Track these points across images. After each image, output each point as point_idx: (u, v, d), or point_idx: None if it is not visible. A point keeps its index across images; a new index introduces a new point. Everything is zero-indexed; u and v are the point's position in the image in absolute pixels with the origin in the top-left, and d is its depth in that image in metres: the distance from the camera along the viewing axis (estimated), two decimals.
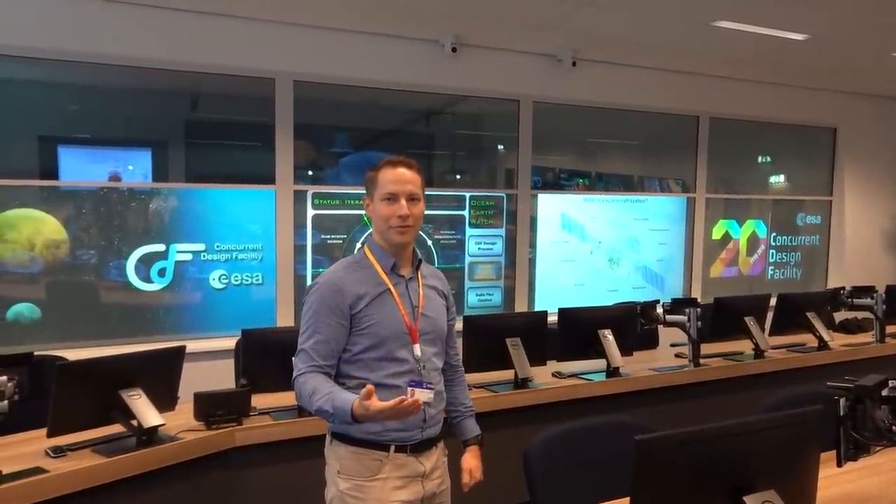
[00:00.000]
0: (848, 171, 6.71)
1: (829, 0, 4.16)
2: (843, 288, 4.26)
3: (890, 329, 4.22)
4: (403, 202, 1.77)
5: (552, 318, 3.37)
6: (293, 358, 1.79)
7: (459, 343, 2.15)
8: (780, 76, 5.94)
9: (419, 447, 1.76)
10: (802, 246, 6.76)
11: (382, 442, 1.72)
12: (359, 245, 4.83)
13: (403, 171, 1.80)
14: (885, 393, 1.33)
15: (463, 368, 2.04)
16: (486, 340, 3.08)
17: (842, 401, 1.35)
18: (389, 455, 1.72)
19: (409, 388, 1.59)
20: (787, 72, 5.79)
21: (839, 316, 4.60)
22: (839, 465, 1.37)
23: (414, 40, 4.73)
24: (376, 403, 1.55)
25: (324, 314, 1.73)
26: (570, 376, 3.31)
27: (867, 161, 6.78)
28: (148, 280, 4.22)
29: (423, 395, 1.58)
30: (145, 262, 4.22)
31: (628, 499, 1.67)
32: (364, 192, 1.88)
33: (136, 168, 4.37)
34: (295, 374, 1.75)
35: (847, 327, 4.60)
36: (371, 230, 1.88)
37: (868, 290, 4.18)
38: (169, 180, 4.37)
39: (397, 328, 1.75)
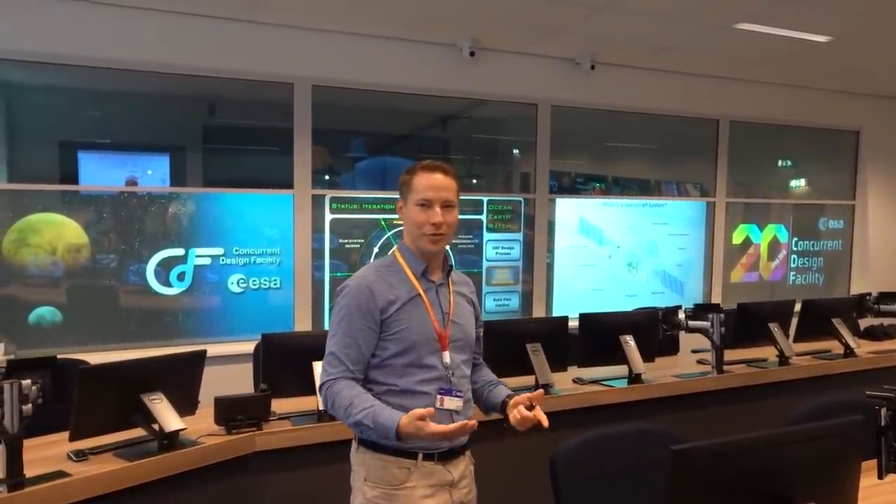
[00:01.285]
0: (871, 175, 6.60)
1: (853, 1, 4.10)
2: (870, 293, 4.19)
3: None
4: (438, 209, 1.74)
5: (572, 324, 3.33)
6: (321, 361, 1.76)
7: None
8: (802, 79, 5.86)
9: (447, 455, 1.73)
10: (825, 251, 6.66)
11: (410, 450, 1.69)
12: (373, 248, 4.82)
13: (440, 177, 1.76)
14: None
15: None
16: (507, 345, 3.05)
17: (883, 410, 1.31)
18: (417, 463, 1.69)
19: (439, 396, 1.56)
20: (808, 74, 5.72)
21: (864, 322, 4.51)
22: (880, 476, 1.33)
23: (432, 44, 4.72)
24: (432, 426, 1.52)
25: (355, 317, 1.70)
26: (590, 382, 3.27)
27: (891, 164, 6.67)
28: (167, 284, 4.24)
29: (451, 403, 1.55)
30: (165, 267, 4.23)
31: None
32: (393, 195, 1.85)
33: (154, 173, 4.40)
34: (324, 378, 1.73)
35: (872, 334, 4.51)
36: (402, 233, 1.84)
37: (895, 296, 4.10)
38: (187, 185, 4.39)
39: (427, 334, 1.73)
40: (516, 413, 1.67)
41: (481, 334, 1.94)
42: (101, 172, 4.27)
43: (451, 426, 1.52)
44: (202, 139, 4.59)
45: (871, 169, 6.60)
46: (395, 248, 1.86)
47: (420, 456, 1.69)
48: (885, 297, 4.13)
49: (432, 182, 1.76)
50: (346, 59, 4.50)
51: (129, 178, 4.26)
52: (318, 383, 1.76)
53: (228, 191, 4.45)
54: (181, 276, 4.27)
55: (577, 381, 3.29)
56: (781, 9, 4.18)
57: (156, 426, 2.28)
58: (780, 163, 6.66)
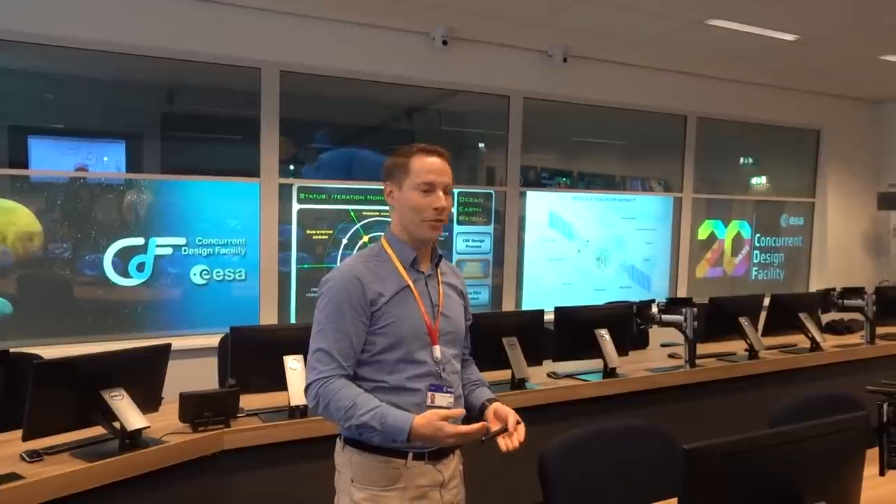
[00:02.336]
0: (830, 174, 6.76)
1: (821, 1, 4.15)
2: (834, 289, 4.26)
3: (880, 330, 4.22)
4: (441, 194, 1.66)
5: (547, 317, 3.29)
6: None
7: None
8: (768, 77, 5.95)
9: (437, 455, 1.65)
10: (785, 247, 6.80)
11: (400, 449, 1.60)
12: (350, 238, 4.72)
13: (440, 161, 1.68)
14: None
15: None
16: (483, 340, 2.97)
17: (885, 406, 1.29)
18: (407, 463, 1.61)
19: (430, 393, 1.49)
20: (774, 73, 5.81)
21: (826, 317, 4.60)
22: (882, 473, 1.31)
23: (404, 32, 4.63)
24: (454, 428, 1.45)
25: (345, 310, 1.60)
26: (565, 376, 3.24)
27: (849, 164, 6.84)
28: (126, 275, 4.06)
29: (442, 399, 1.48)
30: (123, 257, 4.06)
31: None
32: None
33: (110, 160, 4.22)
34: (314, 376, 1.61)
35: (835, 328, 4.61)
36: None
37: (858, 292, 4.18)
38: (144, 174, 4.22)
39: (417, 328, 1.64)
40: (502, 443, 1.60)
41: (469, 326, 1.86)
42: (53, 159, 4.07)
43: (473, 427, 1.45)
44: (161, 126, 4.41)
45: (831, 168, 6.75)
46: (381, 237, 1.76)
47: (410, 456, 1.61)
48: (849, 292, 4.21)
49: (434, 165, 1.67)
50: (315, 44, 4.37)
51: (80, 164, 4.07)
52: (305, 381, 1.63)
53: (191, 178, 4.29)
54: (140, 267, 4.10)
55: (552, 375, 3.25)
56: (752, 6, 4.21)
57: (116, 424, 2.15)
58: (743, 160, 6.77)
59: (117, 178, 4.13)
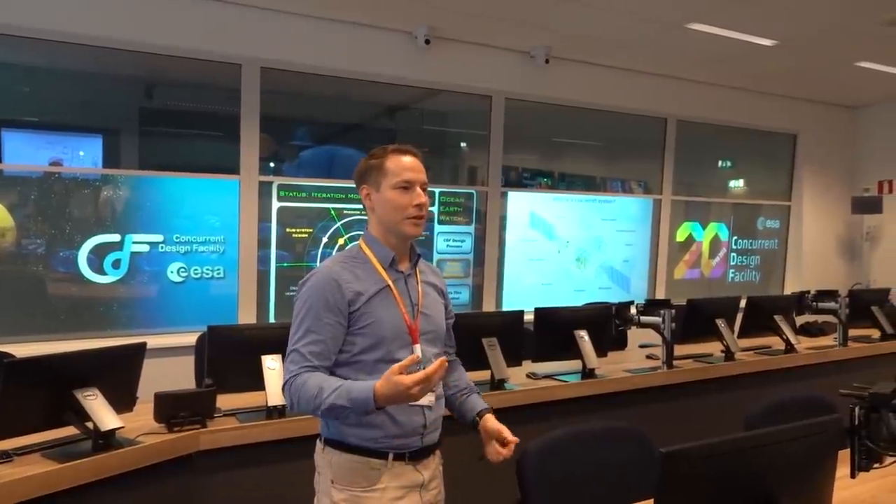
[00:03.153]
0: (806, 177, 6.86)
1: (800, 7, 4.21)
2: (808, 292, 4.31)
3: (852, 333, 4.29)
4: (419, 190, 1.67)
5: (526, 318, 3.30)
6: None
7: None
8: (747, 81, 6.02)
9: (418, 455, 1.65)
10: (761, 249, 6.89)
11: (381, 449, 1.60)
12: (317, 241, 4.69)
13: (414, 160, 1.70)
14: None
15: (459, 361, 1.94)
16: (463, 340, 2.96)
17: (857, 409, 1.30)
18: (388, 463, 1.60)
19: None
20: (753, 77, 5.88)
21: (800, 319, 4.66)
22: (853, 475, 1.33)
23: (387, 30, 4.61)
24: (411, 376, 1.41)
25: (321, 312, 1.60)
26: (544, 377, 3.24)
27: (824, 168, 6.95)
28: (101, 272, 4.00)
29: (424, 398, 1.48)
30: (98, 253, 4.00)
31: None
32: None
33: (86, 155, 4.15)
34: (287, 377, 1.61)
35: (809, 331, 4.67)
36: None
37: (832, 295, 4.24)
38: (121, 169, 4.16)
39: (397, 327, 1.64)
40: (492, 451, 1.68)
41: (451, 325, 1.86)
42: (27, 153, 4.00)
43: (432, 368, 1.43)
44: (139, 121, 4.35)
45: (807, 172, 6.85)
46: (360, 238, 1.76)
47: (391, 456, 1.61)
48: (823, 295, 4.26)
49: (409, 164, 1.68)
50: (297, 41, 4.34)
51: (54, 159, 4.00)
52: (280, 383, 1.63)
53: (169, 174, 4.24)
54: (116, 264, 4.04)
55: (531, 375, 3.26)
56: (732, 10, 4.26)
57: (90, 424, 2.11)
58: (721, 163, 6.84)
59: (93, 174, 4.06)
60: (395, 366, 1.46)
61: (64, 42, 3.81)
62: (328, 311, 1.60)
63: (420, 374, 1.43)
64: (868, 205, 6.69)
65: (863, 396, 1.30)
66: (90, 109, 4.20)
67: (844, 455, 1.44)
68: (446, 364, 1.48)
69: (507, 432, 1.67)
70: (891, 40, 4.80)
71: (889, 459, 1.32)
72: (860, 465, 1.31)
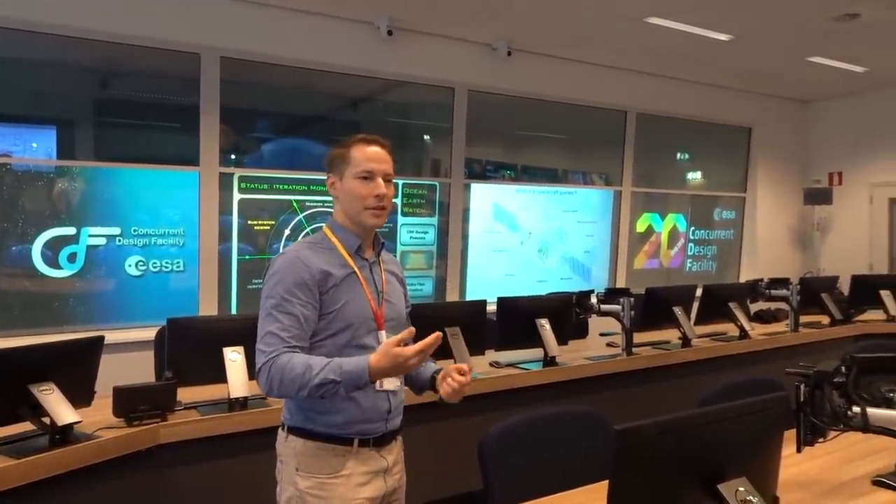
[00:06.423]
0: (760, 169, 7.05)
1: (754, 3, 4.32)
2: (762, 280, 4.45)
3: (803, 319, 4.44)
4: (381, 181, 1.67)
5: (489, 308, 3.33)
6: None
7: None
8: (703, 75, 6.16)
9: (382, 440, 1.67)
10: (718, 239, 7.06)
11: (345, 436, 1.61)
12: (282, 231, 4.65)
13: (379, 150, 1.70)
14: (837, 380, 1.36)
15: None
16: (426, 330, 2.99)
17: (802, 387, 1.37)
18: (353, 449, 1.62)
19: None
20: (709, 72, 6.01)
21: (755, 306, 4.80)
22: (799, 450, 1.39)
23: (349, 21, 4.59)
24: (412, 348, 1.44)
25: (292, 292, 1.58)
26: (507, 366, 3.29)
27: (778, 161, 7.15)
28: (56, 266, 3.91)
29: (390, 383, 1.50)
30: (53, 247, 3.90)
31: (589, 486, 1.66)
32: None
33: (39, 146, 4.04)
34: (262, 360, 1.57)
35: (762, 317, 4.82)
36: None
37: (784, 282, 4.38)
38: (76, 161, 4.06)
39: (364, 313, 1.65)
40: (446, 386, 1.62)
41: (408, 314, 1.88)
42: None
43: (429, 339, 1.45)
44: (94, 112, 4.26)
45: (761, 164, 7.04)
46: (324, 225, 1.76)
47: (356, 442, 1.62)
48: (775, 283, 4.40)
49: (373, 154, 1.69)
50: (257, 31, 4.29)
51: (4, 151, 3.89)
52: (256, 368, 1.59)
53: (126, 166, 4.16)
54: (72, 258, 3.95)
55: (494, 364, 3.30)
56: (689, 5, 4.35)
57: (46, 419, 2.07)
58: (679, 155, 6.99)
59: (47, 166, 3.96)
60: (393, 338, 1.48)
61: (14, 29, 3.70)
62: (300, 291, 1.59)
63: (418, 346, 1.46)
64: (819, 196, 6.92)
65: (807, 375, 1.36)
66: (43, 100, 4.09)
67: (792, 434, 1.51)
68: (440, 337, 1.49)
69: (463, 366, 1.65)
70: (840, 36, 4.96)
71: (832, 434, 1.39)
72: (805, 440, 1.38)
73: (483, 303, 3.29)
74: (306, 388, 1.51)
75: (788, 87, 6.76)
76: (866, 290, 4.60)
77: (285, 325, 1.58)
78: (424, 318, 3.04)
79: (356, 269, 1.68)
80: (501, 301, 3.31)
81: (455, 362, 2.96)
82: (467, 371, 1.62)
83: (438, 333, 1.49)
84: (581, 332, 4.15)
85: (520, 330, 3.30)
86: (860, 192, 6.91)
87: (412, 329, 1.53)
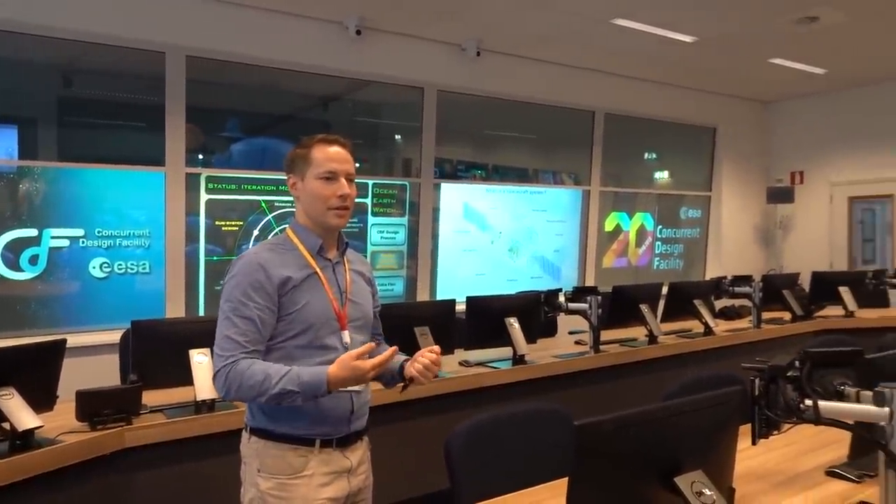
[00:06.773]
0: (725, 169, 7.19)
1: (718, 5, 4.41)
2: (725, 277, 4.54)
3: (766, 315, 4.54)
4: (343, 181, 1.67)
5: (459, 307, 3.35)
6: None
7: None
8: (669, 76, 6.26)
9: (345, 441, 1.66)
10: (684, 238, 7.19)
11: (308, 437, 1.61)
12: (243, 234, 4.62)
13: (340, 150, 1.70)
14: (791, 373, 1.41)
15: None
16: (395, 329, 2.99)
17: (756, 381, 1.41)
18: (315, 450, 1.62)
19: None
20: (674, 72, 6.11)
21: (719, 303, 4.90)
22: (754, 443, 1.43)
23: (317, 20, 4.57)
24: (370, 361, 1.51)
25: (249, 296, 1.59)
26: (476, 364, 3.31)
27: (742, 160, 7.30)
28: (17, 268, 3.83)
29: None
30: (14, 249, 3.82)
31: (553, 483, 1.69)
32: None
33: (0, 146, 3.95)
34: (220, 364, 1.57)
35: (726, 314, 4.92)
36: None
37: (746, 280, 4.48)
38: (38, 160, 3.98)
39: (325, 314, 1.65)
40: (417, 365, 1.66)
41: (378, 313, 1.88)
42: None
43: (386, 353, 1.54)
44: (57, 111, 4.17)
45: (726, 164, 7.19)
46: (286, 227, 1.76)
47: (318, 442, 1.62)
48: (739, 280, 4.50)
49: (334, 154, 1.69)
50: (224, 30, 4.25)
51: None
52: (212, 373, 1.60)
53: (90, 166, 4.08)
54: (33, 260, 3.87)
55: (464, 363, 3.32)
56: (655, 7, 4.42)
57: (6, 425, 2.04)
58: (647, 155, 7.10)
59: (8, 166, 3.88)
60: (353, 352, 1.53)
61: None
62: (257, 295, 1.59)
63: (376, 360, 1.53)
64: (781, 195, 7.08)
65: (762, 369, 1.40)
66: (4, 98, 4.00)
67: (748, 428, 1.55)
68: (397, 350, 1.57)
69: (434, 347, 1.69)
70: (801, 38, 5.09)
71: (786, 426, 1.43)
72: (760, 432, 1.42)
73: (452, 302, 3.31)
74: (265, 395, 1.54)
75: (751, 88, 6.90)
76: (826, 287, 4.73)
77: (242, 329, 1.58)
78: (394, 317, 3.05)
79: (318, 269, 1.68)
80: (471, 300, 3.33)
81: None
82: (438, 351, 1.68)
83: (395, 348, 1.58)
84: (550, 330, 4.20)
85: (489, 329, 3.32)
86: (821, 191, 7.09)
87: (371, 344, 1.58)
